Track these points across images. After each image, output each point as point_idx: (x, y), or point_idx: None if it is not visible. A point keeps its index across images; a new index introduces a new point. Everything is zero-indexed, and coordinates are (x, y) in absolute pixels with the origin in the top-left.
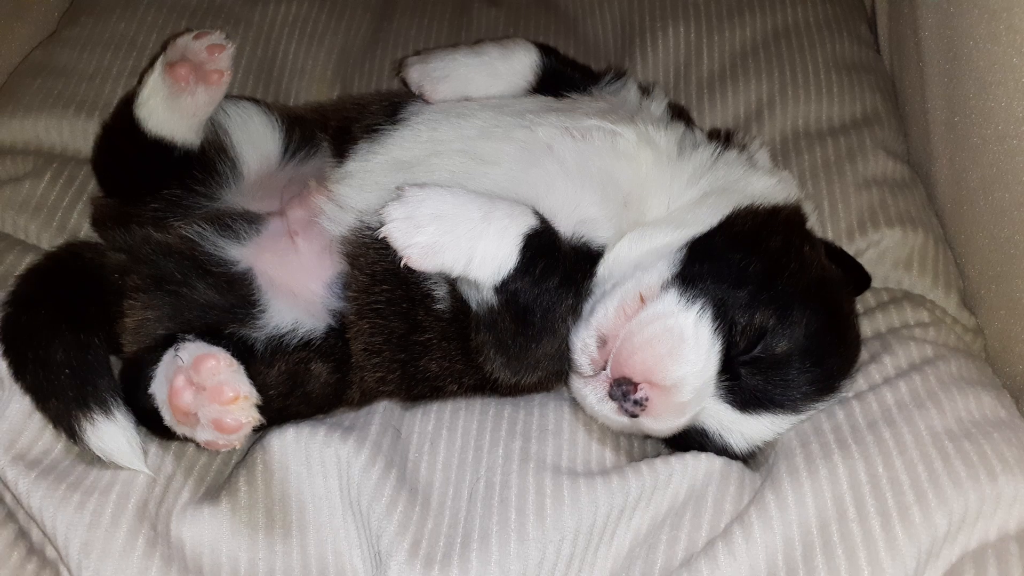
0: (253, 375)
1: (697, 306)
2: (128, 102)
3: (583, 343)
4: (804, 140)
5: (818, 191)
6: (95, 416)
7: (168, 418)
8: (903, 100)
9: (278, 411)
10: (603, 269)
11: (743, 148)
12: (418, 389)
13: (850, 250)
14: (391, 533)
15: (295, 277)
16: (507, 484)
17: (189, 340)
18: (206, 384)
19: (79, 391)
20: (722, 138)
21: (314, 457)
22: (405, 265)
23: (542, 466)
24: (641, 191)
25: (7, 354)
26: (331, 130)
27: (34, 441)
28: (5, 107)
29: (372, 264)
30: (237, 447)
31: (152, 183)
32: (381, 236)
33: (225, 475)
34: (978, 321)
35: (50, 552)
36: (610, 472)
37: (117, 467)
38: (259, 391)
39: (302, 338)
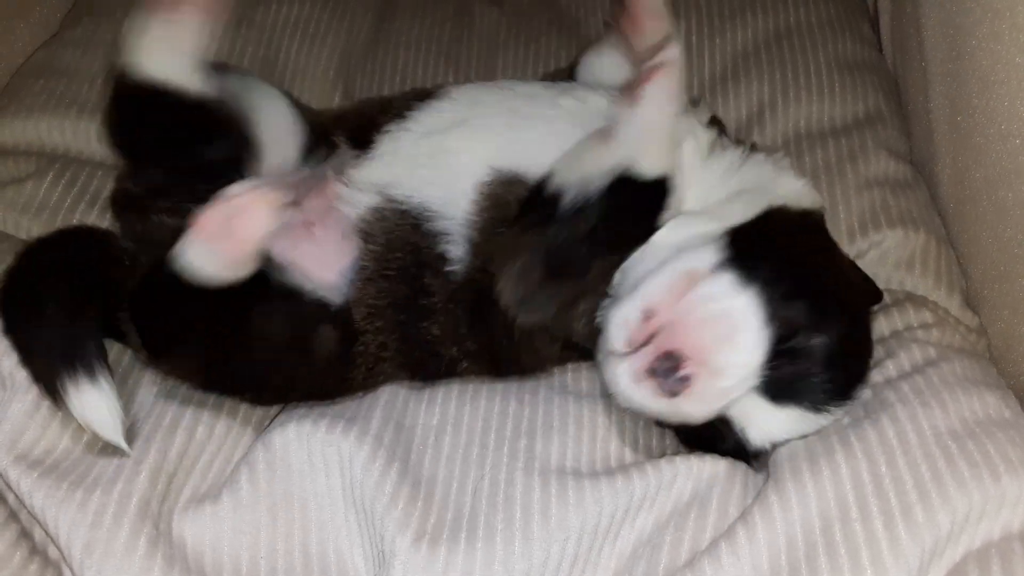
0: (262, 298)
1: (751, 291)
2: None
3: (625, 317)
4: (806, 140)
5: (820, 192)
6: (80, 379)
7: (182, 242)
8: (906, 100)
9: (276, 352)
10: (641, 251)
11: (768, 155)
12: (417, 353)
13: (852, 251)
14: (392, 529)
15: (311, 264)
16: (512, 482)
17: None
18: (244, 190)
19: (67, 350)
20: (748, 145)
21: (316, 454)
22: (421, 230)
23: (547, 465)
24: (681, 178)
25: (2, 307)
26: (349, 127)
27: (36, 441)
28: (7, 108)
29: (386, 233)
30: (240, 256)
31: (163, 140)
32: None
33: (227, 473)
34: (981, 321)
35: (53, 552)
36: (615, 473)
37: (114, 455)
38: (262, 322)
39: (319, 299)
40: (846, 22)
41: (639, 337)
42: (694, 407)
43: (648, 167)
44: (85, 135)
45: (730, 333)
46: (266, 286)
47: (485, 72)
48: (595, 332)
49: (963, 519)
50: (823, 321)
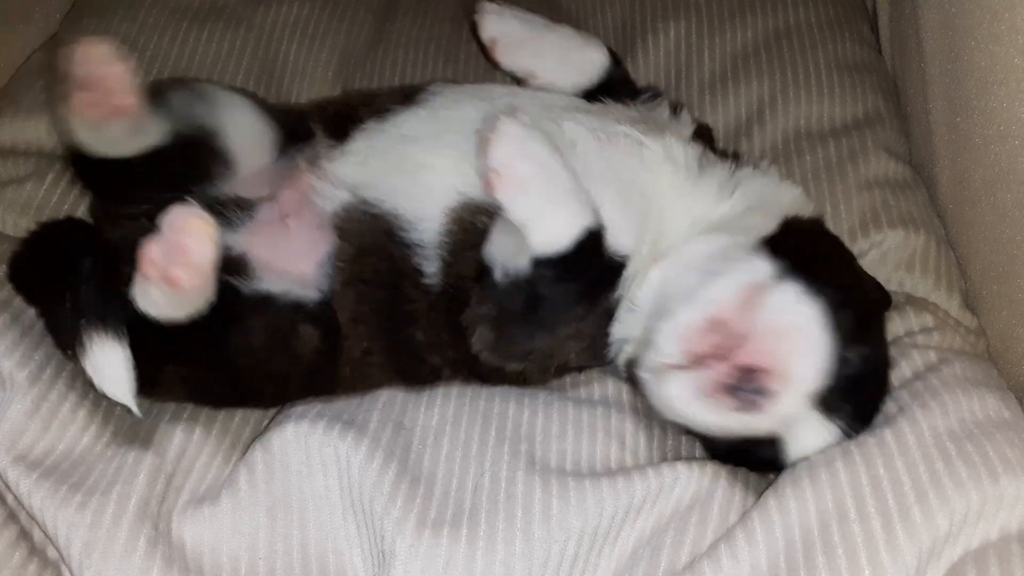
0: (236, 318)
1: (817, 302)
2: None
3: (685, 327)
4: (805, 141)
5: (819, 192)
6: (104, 334)
7: (135, 287)
8: (905, 100)
9: (262, 363)
10: (671, 263)
11: (755, 166)
12: (404, 361)
13: (852, 251)
14: (392, 529)
15: (288, 259)
16: (513, 480)
17: None
18: (172, 224)
19: (97, 305)
20: (731, 156)
21: (314, 455)
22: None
23: (547, 466)
24: (661, 203)
25: (41, 252)
26: (329, 116)
27: (36, 442)
28: (7, 108)
29: (360, 236)
30: (190, 285)
31: (136, 184)
32: (486, 136)
33: (226, 473)
34: (980, 322)
35: (52, 553)
36: (616, 475)
37: (113, 457)
38: (241, 338)
39: (293, 300)
40: (846, 22)
41: (701, 348)
42: (767, 421)
43: (543, 244)
44: None
45: (808, 346)
46: (237, 302)
47: (485, 73)
48: (597, 355)
49: (961, 520)
50: (865, 331)
